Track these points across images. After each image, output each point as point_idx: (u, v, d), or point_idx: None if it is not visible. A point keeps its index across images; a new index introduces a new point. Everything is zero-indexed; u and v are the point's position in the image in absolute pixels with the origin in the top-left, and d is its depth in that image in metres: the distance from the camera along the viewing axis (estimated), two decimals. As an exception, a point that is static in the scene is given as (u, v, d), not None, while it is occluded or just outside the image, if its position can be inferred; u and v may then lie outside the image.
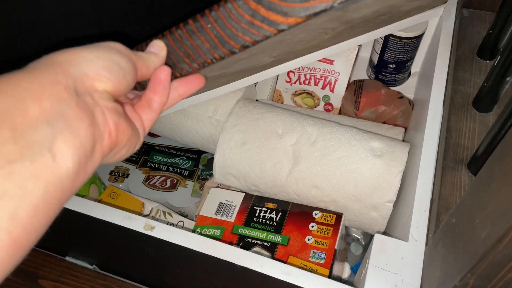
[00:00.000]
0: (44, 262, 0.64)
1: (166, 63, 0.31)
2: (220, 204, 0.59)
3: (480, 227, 0.30)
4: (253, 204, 0.58)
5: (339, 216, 0.55)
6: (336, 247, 0.52)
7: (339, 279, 0.56)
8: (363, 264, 0.48)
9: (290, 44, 0.38)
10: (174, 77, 0.33)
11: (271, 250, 0.54)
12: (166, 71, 0.29)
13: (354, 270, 0.60)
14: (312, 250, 0.54)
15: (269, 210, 0.57)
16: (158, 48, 0.30)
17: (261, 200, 0.59)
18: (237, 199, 0.59)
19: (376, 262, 0.41)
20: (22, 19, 0.41)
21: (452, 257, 0.33)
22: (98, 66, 0.24)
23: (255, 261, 0.43)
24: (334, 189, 0.55)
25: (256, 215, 0.57)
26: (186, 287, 0.61)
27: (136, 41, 0.48)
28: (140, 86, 0.35)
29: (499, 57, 0.45)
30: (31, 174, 0.19)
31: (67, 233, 0.60)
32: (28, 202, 0.18)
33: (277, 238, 0.54)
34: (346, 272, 0.59)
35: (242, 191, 0.61)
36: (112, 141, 0.24)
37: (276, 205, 0.58)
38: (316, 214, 0.56)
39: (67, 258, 0.64)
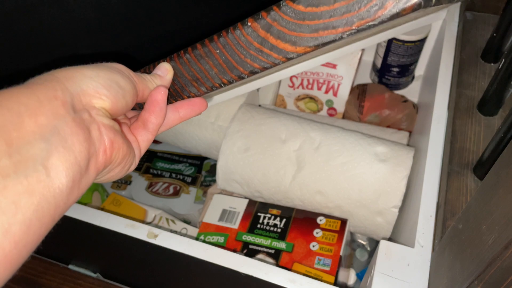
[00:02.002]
0: (46, 270, 0.64)
1: (174, 86, 0.31)
2: (224, 211, 0.59)
3: (487, 233, 0.29)
4: (256, 211, 0.58)
5: (344, 222, 0.54)
6: (341, 254, 0.52)
7: (344, 286, 0.56)
8: (369, 271, 0.48)
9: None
10: (181, 99, 0.33)
11: (276, 257, 0.54)
12: (162, 92, 0.29)
13: (359, 276, 0.60)
14: (317, 257, 0.53)
15: (273, 217, 0.57)
16: (164, 70, 0.30)
17: (265, 206, 0.58)
18: (240, 206, 0.59)
19: (382, 268, 0.41)
20: (24, 28, 0.41)
21: (459, 263, 0.33)
22: (97, 84, 0.24)
23: (260, 269, 0.42)
24: (339, 194, 0.54)
25: (260, 221, 0.57)
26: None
27: (138, 48, 0.48)
28: (140, 106, 0.35)
29: (503, 60, 0.44)
30: (24, 189, 0.18)
31: (70, 241, 0.60)
32: (21, 217, 0.18)
33: (281, 245, 0.54)
34: (351, 279, 0.58)
35: (246, 197, 0.61)
36: (107, 158, 0.24)
37: (280, 211, 0.57)
38: (320, 220, 0.55)
39: (70, 266, 0.63)
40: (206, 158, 0.75)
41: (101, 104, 0.24)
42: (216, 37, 0.29)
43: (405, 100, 0.68)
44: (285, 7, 0.26)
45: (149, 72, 0.30)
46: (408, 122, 0.66)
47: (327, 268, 0.53)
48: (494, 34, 0.53)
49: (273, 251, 0.54)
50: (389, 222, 0.53)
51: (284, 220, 0.56)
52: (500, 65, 0.45)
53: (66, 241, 0.61)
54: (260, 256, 0.54)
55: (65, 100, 0.22)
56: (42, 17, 0.41)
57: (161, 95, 0.28)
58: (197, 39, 0.52)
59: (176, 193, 0.71)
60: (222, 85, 0.31)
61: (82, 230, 0.52)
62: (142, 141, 0.29)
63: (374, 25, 0.25)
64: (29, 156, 0.19)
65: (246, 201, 0.60)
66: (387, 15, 0.25)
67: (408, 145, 0.60)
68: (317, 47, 0.27)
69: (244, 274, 0.42)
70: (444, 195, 0.45)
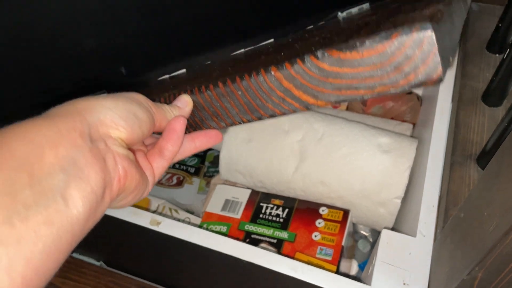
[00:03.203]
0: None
1: (194, 118, 0.31)
2: (227, 201, 0.59)
3: (488, 220, 0.29)
4: (259, 201, 0.58)
5: (346, 212, 0.54)
6: (343, 244, 0.52)
7: (346, 277, 0.56)
8: (371, 260, 0.48)
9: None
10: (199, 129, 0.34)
11: (278, 246, 0.54)
12: (181, 122, 0.29)
13: (361, 267, 0.60)
14: (319, 247, 0.54)
15: (275, 207, 0.57)
16: (184, 102, 0.30)
17: (268, 196, 0.59)
18: (243, 196, 0.59)
19: (383, 257, 0.41)
20: (27, 19, 0.41)
21: (460, 251, 0.33)
22: (115, 115, 0.25)
23: (261, 257, 0.42)
24: (341, 185, 0.54)
25: (263, 211, 0.57)
26: (192, 283, 0.60)
27: (142, 39, 0.48)
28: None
29: (508, 50, 0.44)
30: (44, 219, 0.20)
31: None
32: (41, 246, 0.19)
33: (283, 235, 0.54)
34: (353, 269, 0.59)
35: (248, 188, 0.61)
36: (120, 186, 0.25)
37: (282, 201, 0.58)
38: (323, 211, 0.55)
39: (73, 255, 0.64)
40: (209, 149, 0.75)
41: (117, 134, 0.25)
42: (238, 78, 0.29)
43: (409, 92, 0.68)
44: (309, 63, 0.26)
45: (169, 102, 0.31)
46: (412, 114, 0.66)
47: (329, 258, 0.53)
48: (499, 25, 0.52)
49: (275, 241, 0.54)
50: (392, 213, 0.53)
51: (286, 210, 0.56)
52: (505, 56, 0.44)
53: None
54: (262, 245, 0.54)
55: (83, 130, 0.23)
56: (44, 8, 0.42)
57: (180, 124, 0.29)
58: (201, 31, 0.52)
59: (180, 184, 0.71)
60: (242, 123, 0.32)
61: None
62: (157, 168, 0.30)
63: (395, 92, 0.26)
64: (49, 187, 0.20)
65: (249, 191, 0.60)
66: (409, 85, 0.25)
67: (411, 136, 0.59)
68: (338, 103, 0.27)
69: (246, 261, 0.42)
70: (446, 186, 0.45)
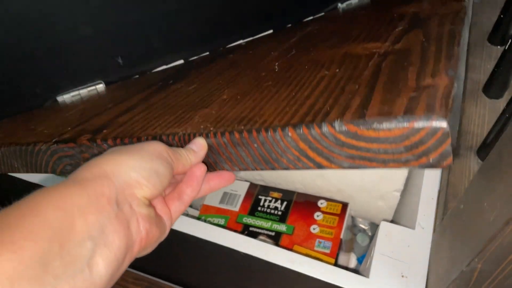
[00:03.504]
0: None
1: (208, 159, 0.32)
2: (225, 194, 0.59)
3: (489, 210, 0.29)
4: (257, 194, 0.58)
5: (345, 205, 0.54)
6: (341, 237, 0.52)
7: (344, 269, 0.55)
8: (369, 253, 0.48)
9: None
10: (212, 170, 0.35)
11: (276, 239, 0.54)
12: (202, 169, 0.31)
13: (360, 261, 0.59)
14: (317, 240, 0.53)
15: (274, 200, 0.57)
16: (199, 147, 0.31)
17: (266, 189, 0.58)
18: (241, 189, 0.59)
19: (382, 249, 0.41)
20: (22, 5, 0.41)
21: (459, 243, 0.32)
22: (139, 176, 0.26)
23: (259, 248, 0.42)
24: (340, 179, 0.54)
25: (261, 204, 0.56)
26: (189, 275, 0.60)
27: (139, 25, 0.48)
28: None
29: (510, 41, 0.43)
30: None
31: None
32: None
33: (282, 227, 0.54)
34: (352, 263, 0.58)
35: (247, 181, 0.61)
36: (141, 247, 0.26)
37: (281, 194, 0.57)
38: (321, 204, 0.55)
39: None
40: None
41: (141, 194, 0.26)
42: (255, 132, 0.29)
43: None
44: (326, 132, 0.27)
45: (184, 142, 0.32)
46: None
47: (327, 251, 0.52)
48: (501, 16, 0.52)
49: (273, 234, 0.54)
50: (391, 206, 0.53)
51: (285, 203, 0.56)
52: (507, 47, 0.44)
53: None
54: (260, 238, 0.53)
55: (111, 196, 0.25)
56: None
57: (201, 171, 0.31)
58: (199, 21, 0.52)
59: (178, 177, 0.71)
60: (255, 170, 0.32)
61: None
62: (175, 212, 0.31)
63: (406, 167, 0.27)
64: (77, 257, 0.22)
65: (247, 184, 0.59)
66: (420, 167, 0.26)
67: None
68: (352, 169, 0.28)
69: (243, 253, 0.42)
70: (446, 178, 0.44)
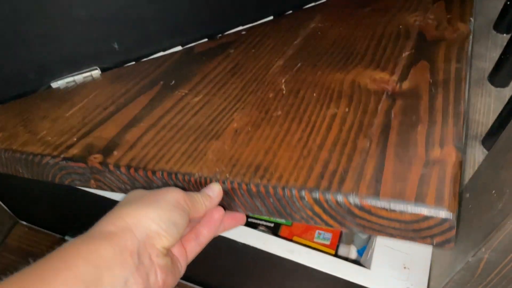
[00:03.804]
0: (41, 241, 0.63)
1: (223, 202, 0.33)
2: (223, 184, 0.58)
3: (497, 198, 0.27)
4: (256, 184, 0.57)
5: (345, 196, 0.53)
6: (342, 228, 0.51)
7: (344, 259, 0.54)
8: (370, 244, 0.47)
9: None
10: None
11: (275, 230, 0.53)
12: (220, 213, 0.33)
13: (360, 253, 0.58)
14: (317, 231, 0.52)
15: (273, 190, 0.56)
16: (214, 192, 0.32)
17: (265, 179, 0.57)
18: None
19: (383, 240, 0.40)
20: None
21: (465, 232, 0.31)
22: (159, 228, 0.28)
23: (258, 238, 0.41)
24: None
25: (260, 194, 0.55)
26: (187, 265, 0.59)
27: (135, 7, 0.46)
28: None
29: (517, 28, 0.42)
30: None
31: (66, 211, 0.59)
32: None
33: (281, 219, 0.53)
34: (352, 255, 0.57)
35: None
36: None
37: (280, 184, 0.56)
38: (321, 194, 0.54)
39: (66, 237, 0.63)
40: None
41: (161, 244, 0.28)
42: (272, 189, 0.30)
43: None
44: (342, 204, 0.28)
45: (200, 185, 0.33)
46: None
47: (327, 242, 0.51)
48: (508, 3, 0.50)
49: (272, 225, 0.53)
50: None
51: (284, 193, 0.55)
52: (514, 33, 0.43)
53: (61, 211, 0.61)
54: (259, 229, 0.52)
55: (133, 250, 0.26)
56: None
57: (219, 215, 0.33)
58: (197, 6, 0.50)
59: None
60: (267, 217, 0.33)
61: (77, 199, 0.51)
62: (190, 252, 0.32)
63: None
64: None
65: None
66: (424, 244, 0.29)
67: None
68: (360, 233, 0.31)
69: (241, 243, 0.41)
70: (450, 168, 0.43)
